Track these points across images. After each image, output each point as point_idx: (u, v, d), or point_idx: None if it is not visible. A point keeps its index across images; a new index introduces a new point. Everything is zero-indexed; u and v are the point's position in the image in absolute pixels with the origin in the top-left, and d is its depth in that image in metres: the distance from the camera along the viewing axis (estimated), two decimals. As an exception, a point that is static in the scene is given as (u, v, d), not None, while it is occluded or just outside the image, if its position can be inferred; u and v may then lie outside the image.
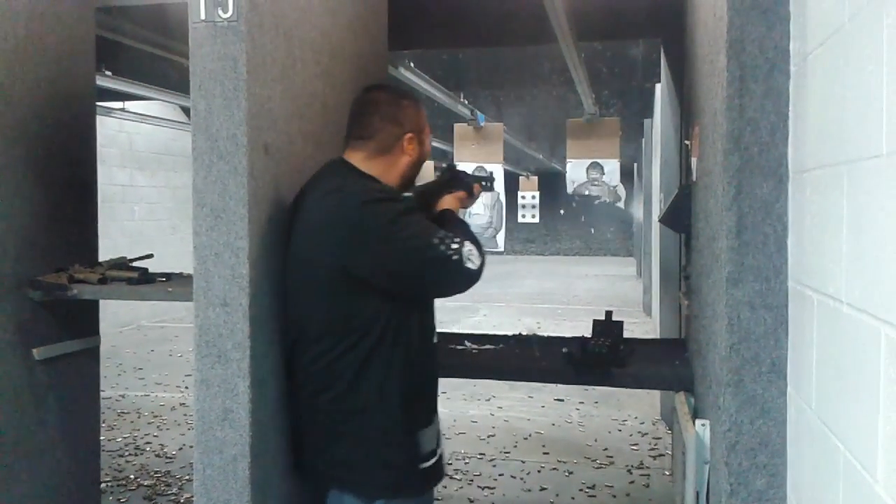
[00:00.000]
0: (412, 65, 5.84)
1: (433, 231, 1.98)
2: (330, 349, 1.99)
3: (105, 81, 5.86)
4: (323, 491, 2.14)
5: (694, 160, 2.55)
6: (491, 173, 2.59)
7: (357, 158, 2.10)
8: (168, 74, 6.75)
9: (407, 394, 2.02)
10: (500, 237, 9.26)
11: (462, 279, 1.98)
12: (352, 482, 2.05)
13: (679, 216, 3.02)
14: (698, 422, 2.03)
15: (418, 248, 1.95)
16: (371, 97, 2.17)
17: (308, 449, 2.11)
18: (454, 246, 1.95)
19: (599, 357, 2.52)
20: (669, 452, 4.93)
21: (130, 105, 9.22)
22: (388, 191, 2.08)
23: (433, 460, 2.09)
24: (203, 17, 1.89)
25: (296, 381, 2.09)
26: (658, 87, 6.97)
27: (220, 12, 1.87)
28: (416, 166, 2.19)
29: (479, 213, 8.88)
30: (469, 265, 1.95)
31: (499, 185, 8.92)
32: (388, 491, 2.04)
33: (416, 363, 2.05)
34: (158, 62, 6.02)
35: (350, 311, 1.98)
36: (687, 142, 2.92)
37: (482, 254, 2.01)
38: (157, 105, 9.96)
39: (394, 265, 1.96)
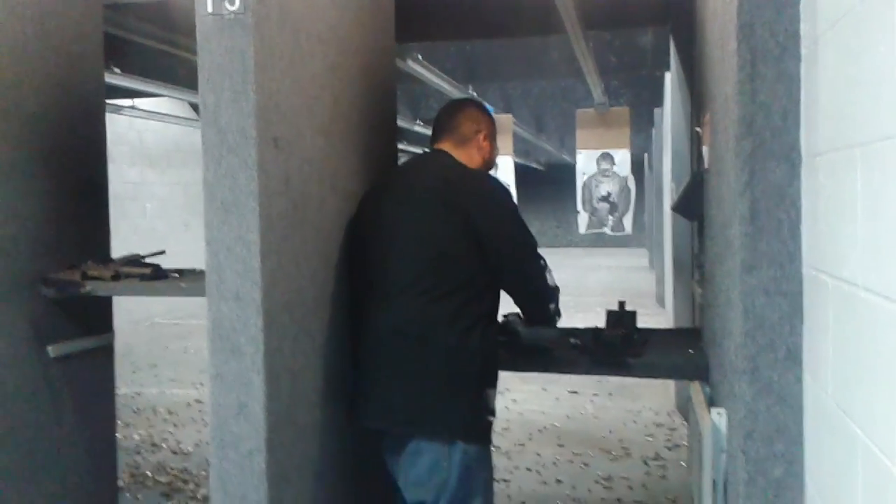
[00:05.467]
0: (420, 57, 5.83)
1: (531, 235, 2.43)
2: (424, 295, 2.24)
3: (114, 79, 5.87)
4: (382, 453, 2.39)
5: (705, 148, 2.53)
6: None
7: (446, 147, 2.50)
8: (176, 70, 6.76)
9: (485, 350, 2.27)
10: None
11: (542, 285, 2.41)
12: (431, 426, 2.25)
13: (691, 204, 3.01)
14: (714, 410, 2.02)
15: (528, 241, 2.39)
16: (458, 103, 2.69)
17: (379, 398, 2.30)
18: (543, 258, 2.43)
19: (613, 347, 2.51)
20: (685, 443, 4.92)
21: (140, 102, 9.24)
22: None
23: (494, 418, 2.33)
24: (210, 10, 1.89)
25: (374, 331, 2.31)
26: (668, 75, 6.93)
27: (227, 5, 1.87)
28: (487, 165, 2.56)
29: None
30: (549, 277, 2.42)
31: (509, 176, 8.90)
32: (464, 433, 2.24)
33: (492, 327, 2.34)
34: (166, 58, 6.02)
35: (457, 261, 2.27)
36: (698, 129, 2.91)
37: (557, 289, 2.49)
38: (166, 102, 9.99)
39: (508, 241, 2.35)
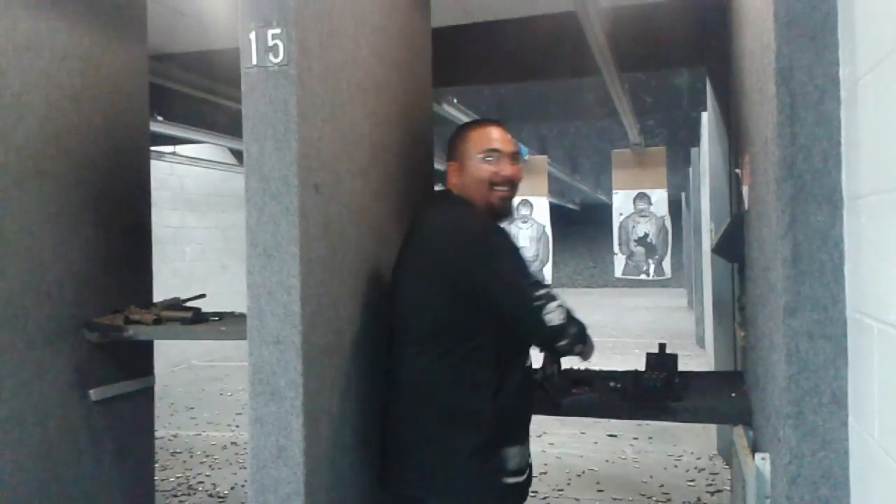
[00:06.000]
0: (455, 101, 5.89)
1: (529, 275, 2.18)
2: (424, 354, 2.15)
3: (156, 126, 6.00)
4: None
5: (745, 188, 2.52)
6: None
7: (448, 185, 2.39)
8: (217, 118, 6.89)
9: (497, 409, 2.13)
10: (548, 270, 9.21)
11: (538, 327, 2.11)
12: (437, 491, 2.15)
13: (732, 245, 2.98)
14: (758, 455, 1.99)
15: (517, 283, 2.14)
16: None
17: (396, 459, 2.23)
18: (540, 293, 2.12)
19: (654, 391, 2.48)
20: (727, 488, 4.82)
21: (181, 148, 9.41)
22: (495, 224, 2.28)
23: (520, 478, 2.18)
24: (255, 62, 1.94)
25: (391, 391, 2.25)
26: (704, 115, 6.93)
27: (272, 57, 1.92)
28: (471, 188, 2.31)
29: (525, 245, 8.85)
30: (548, 316, 2.10)
31: (544, 217, 8.90)
32: (471, 498, 2.13)
33: (508, 381, 2.17)
34: (207, 106, 6.15)
35: (450, 320, 2.15)
36: (737, 170, 2.90)
37: (570, 320, 2.15)
38: (206, 148, 10.15)
39: (497, 289, 2.13)
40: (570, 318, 2.17)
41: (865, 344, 1.52)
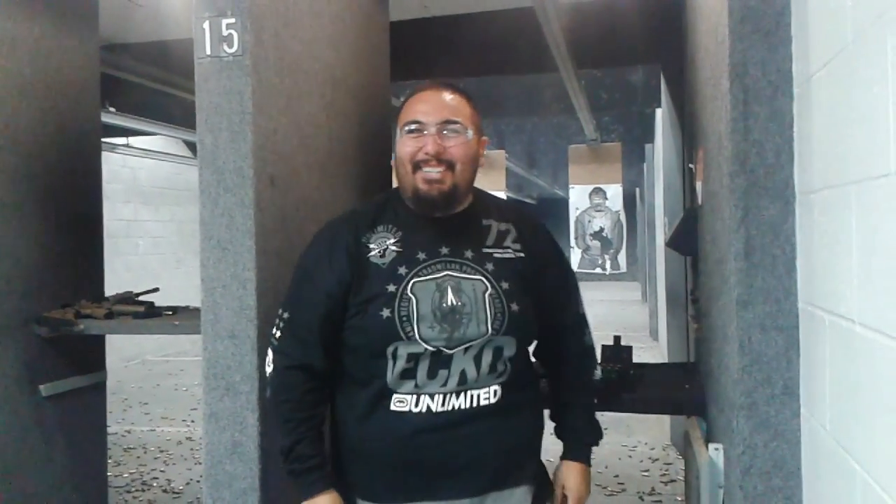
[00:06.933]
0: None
1: (288, 304, 1.77)
2: None
3: (109, 118, 5.90)
4: None
5: (699, 183, 2.55)
6: None
7: None
8: (171, 109, 6.80)
9: (350, 449, 1.77)
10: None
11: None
12: None
13: (686, 239, 3.02)
14: (711, 446, 2.02)
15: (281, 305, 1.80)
16: None
17: None
18: (273, 331, 1.77)
19: (609, 382, 2.50)
20: (681, 478, 4.88)
21: (134, 140, 9.27)
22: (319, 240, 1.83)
23: None
24: (209, 52, 1.91)
25: None
26: (659, 111, 7.00)
27: (226, 47, 1.89)
28: (403, 174, 1.74)
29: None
30: (267, 360, 1.77)
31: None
32: None
33: (360, 421, 1.73)
34: (161, 97, 6.06)
35: None
36: (691, 165, 2.93)
37: (277, 375, 1.73)
38: (160, 140, 10.01)
39: None
40: (274, 389, 1.75)
41: (817, 336, 1.55)
